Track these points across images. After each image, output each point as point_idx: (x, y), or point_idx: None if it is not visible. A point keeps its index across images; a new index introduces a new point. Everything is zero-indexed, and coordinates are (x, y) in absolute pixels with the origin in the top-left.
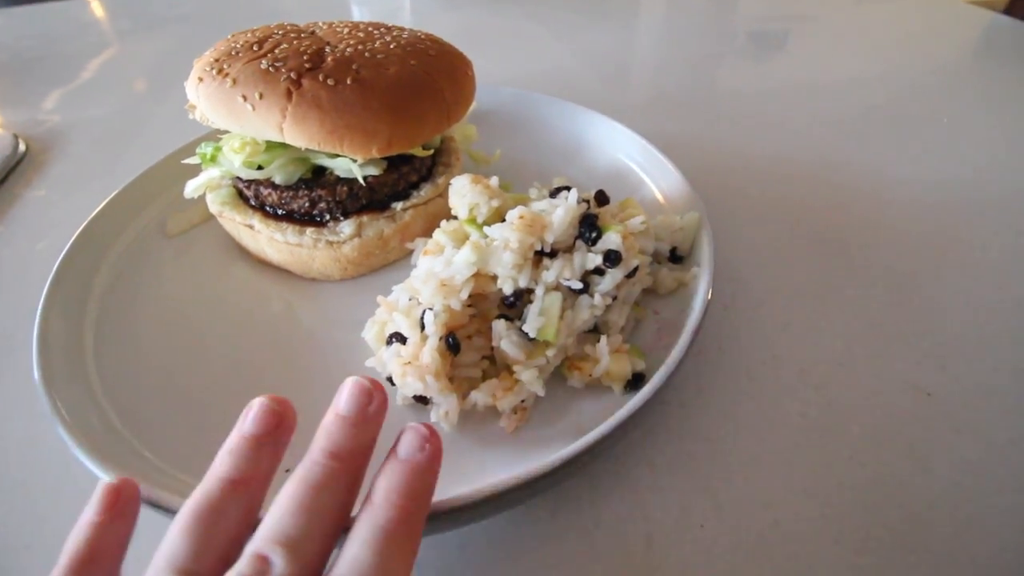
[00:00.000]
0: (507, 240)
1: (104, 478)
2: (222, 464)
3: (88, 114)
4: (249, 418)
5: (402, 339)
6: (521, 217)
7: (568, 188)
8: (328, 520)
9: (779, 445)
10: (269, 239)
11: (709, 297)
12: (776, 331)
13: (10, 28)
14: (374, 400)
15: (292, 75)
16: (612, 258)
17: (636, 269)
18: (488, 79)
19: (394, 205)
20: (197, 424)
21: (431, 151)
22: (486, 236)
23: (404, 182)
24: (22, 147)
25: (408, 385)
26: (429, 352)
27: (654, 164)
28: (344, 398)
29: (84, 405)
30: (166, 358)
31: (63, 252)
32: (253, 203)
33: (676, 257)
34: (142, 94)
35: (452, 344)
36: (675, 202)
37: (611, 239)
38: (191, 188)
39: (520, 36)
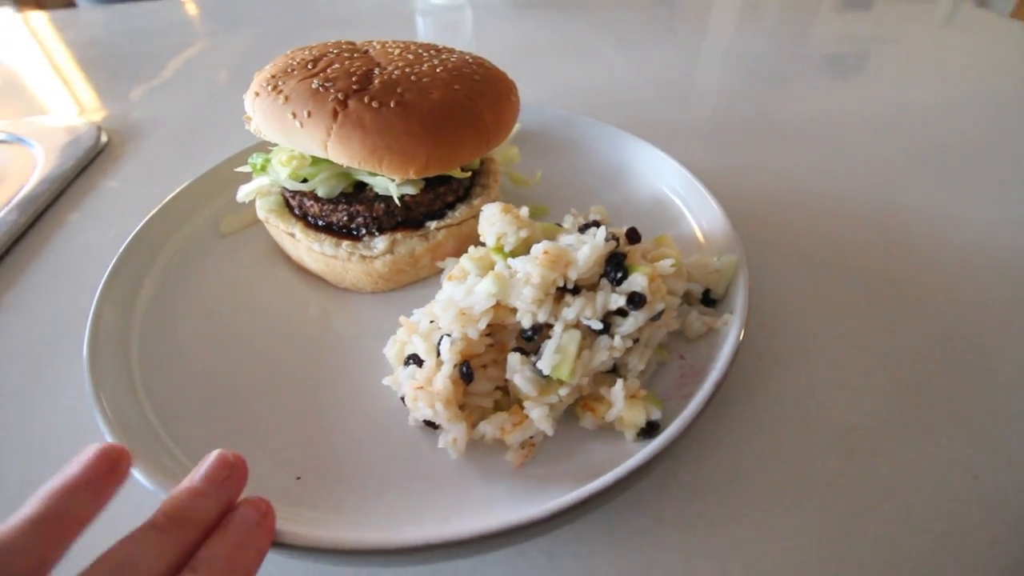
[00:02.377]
0: (529, 275)
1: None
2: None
3: (166, 110)
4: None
5: (419, 362)
6: (546, 252)
7: (598, 224)
8: None
9: (799, 516)
10: (307, 248)
11: (738, 348)
12: (811, 387)
13: (106, 24)
14: (232, 477)
15: (340, 95)
16: (636, 301)
17: (661, 313)
18: (544, 91)
19: (428, 224)
20: (220, 416)
21: (469, 173)
22: (510, 267)
23: (440, 202)
24: (104, 139)
25: (419, 409)
26: (442, 379)
27: (696, 198)
28: (203, 470)
29: (122, 391)
30: (202, 351)
31: (123, 244)
32: (297, 212)
33: (709, 300)
34: (219, 93)
35: (466, 373)
36: (714, 240)
37: (637, 281)
38: (243, 193)
39: (581, 49)
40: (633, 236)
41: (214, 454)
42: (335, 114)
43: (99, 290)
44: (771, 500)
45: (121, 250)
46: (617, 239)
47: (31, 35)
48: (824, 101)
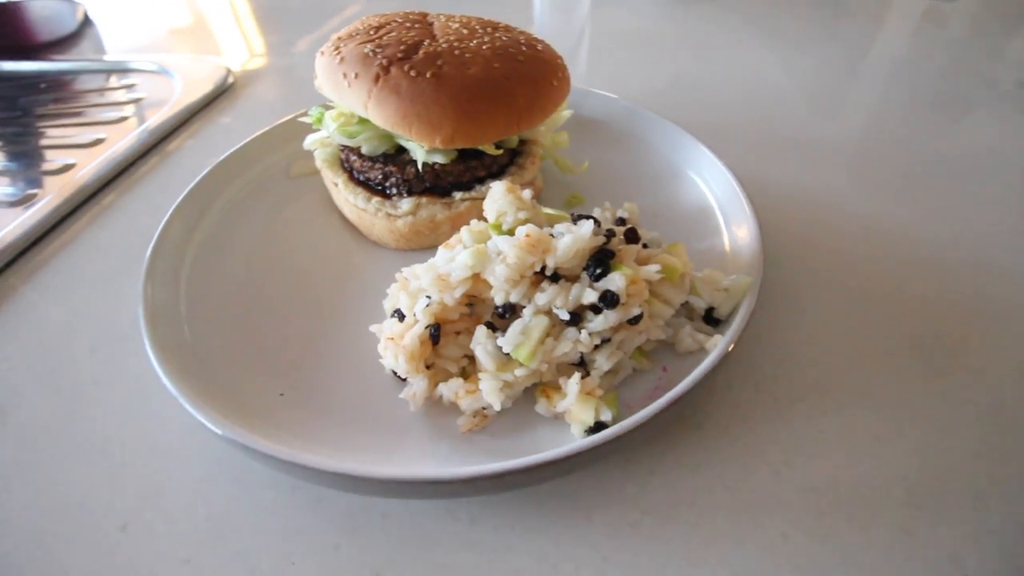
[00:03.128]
0: (505, 254)
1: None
2: None
3: (295, 61)
4: None
5: (402, 316)
6: (527, 236)
7: (592, 218)
8: None
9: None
10: (345, 199)
11: (711, 371)
12: (799, 437)
13: None
14: None
15: (384, 62)
16: (608, 299)
17: (639, 317)
18: (643, 83)
19: (455, 194)
20: (236, 324)
21: (501, 151)
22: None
23: (470, 175)
24: (230, 80)
25: (387, 359)
26: (411, 336)
27: (738, 214)
28: None
29: (167, 283)
30: (239, 267)
31: (205, 171)
32: (344, 166)
33: (712, 318)
34: None
35: (434, 334)
36: (740, 259)
37: (614, 280)
38: (308, 141)
39: (715, 45)
40: (631, 237)
41: None
42: (377, 78)
43: (176, 203)
44: (707, 540)
45: (200, 176)
46: (613, 237)
47: None
48: (1013, 137)
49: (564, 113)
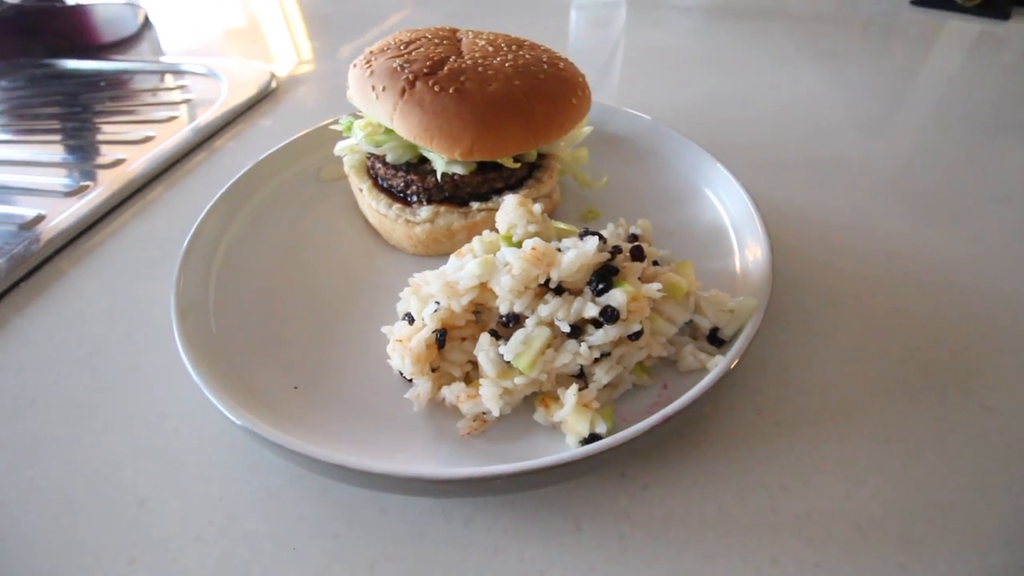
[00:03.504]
0: (511, 265)
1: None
2: None
3: (338, 67)
4: None
5: (411, 319)
6: (533, 249)
7: (599, 234)
8: None
9: None
10: (368, 204)
11: (706, 392)
12: (798, 462)
13: None
14: None
15: (410, 76)
16: (608, 314)
17: (640, 334)
18: (671, 99)
19: (472, 204)
20: (258, 317)
21: (519, 164)
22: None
23: (488, 186)
24: (273, 84)
25: (394, 360)
26: (418, 339)
27: (751, 234)
28: None
29: (198, 278)
30: (265, 263)
31: (241, 172)
32: (370, 172)
33: (716, 338)
34: None
35: (440, 339)
36: (750, 281)
37: (615, 296)
38: (339, 147)
39: (747, 61)
40: (636, 254)
41: None
42: (403, 92)
43: (211, 202)
44: (695, 558)
45: (235, 178)
46: (614, 253)
47: None
48: None
49: (584, 129)
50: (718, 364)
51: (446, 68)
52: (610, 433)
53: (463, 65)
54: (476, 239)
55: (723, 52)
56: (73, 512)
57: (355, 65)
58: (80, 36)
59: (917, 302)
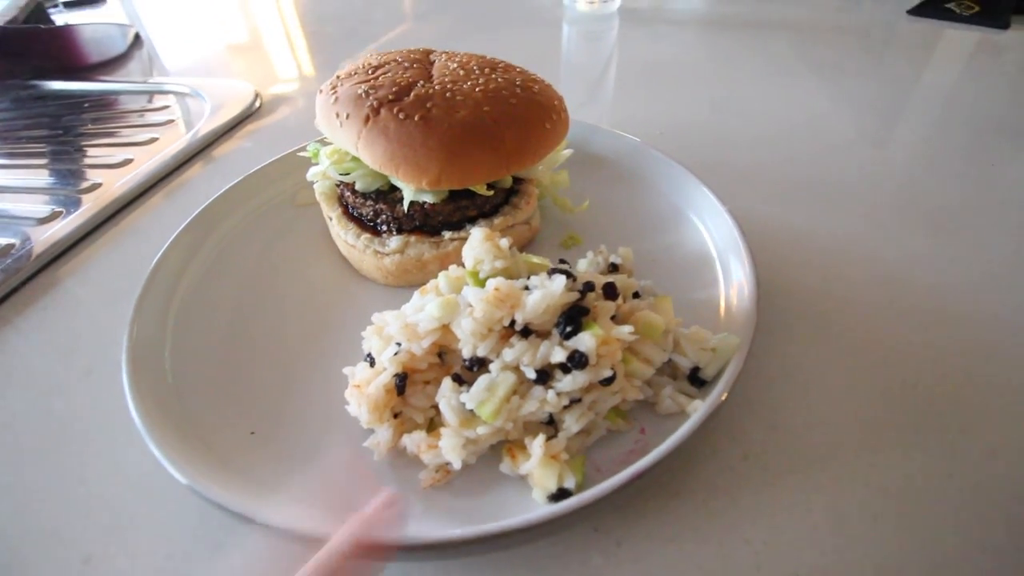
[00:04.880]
0: (472, 307)
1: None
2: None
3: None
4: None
5: (372, 361)
6: (496, 289)
7: (567, 273)
8: None
9: None
10: (336, 233)
11: (687, 438)
12: (785, 514)
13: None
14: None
15: (374, 103)
16: (576, 359)
17: (612, 379)
18: (660, 115)
19: (444, 233)
20: (216, 353)
21: (493, 191)
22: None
23: (461, 214)
24: (258, 104)
25: (351, 407)
26: (376, 384)
27: (736, 265)
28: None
29: (156, 312)
30: (228, 293)
31: (212, 198)
32: (341, 200)
33: (697, 379)
34: None
35: (399, 384)
36: (735, 315)
37: (584, 340)
38: (311, 173)
39: (744, 72)
40: (609, 292)
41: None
42: (367, 120)
43: (174, 235)
44: None
45: (201, 207)
46: (584, 292)
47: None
48: None
49: (564, 152)
50: (698, 409)
51: (412, 94)
52: (580, 487)
53: (431, 91)
54: (442, 275)
55: (718, 65)
56: (14, 569)
57: (321, 91)
58: (67, 57)
59: (916, 333)
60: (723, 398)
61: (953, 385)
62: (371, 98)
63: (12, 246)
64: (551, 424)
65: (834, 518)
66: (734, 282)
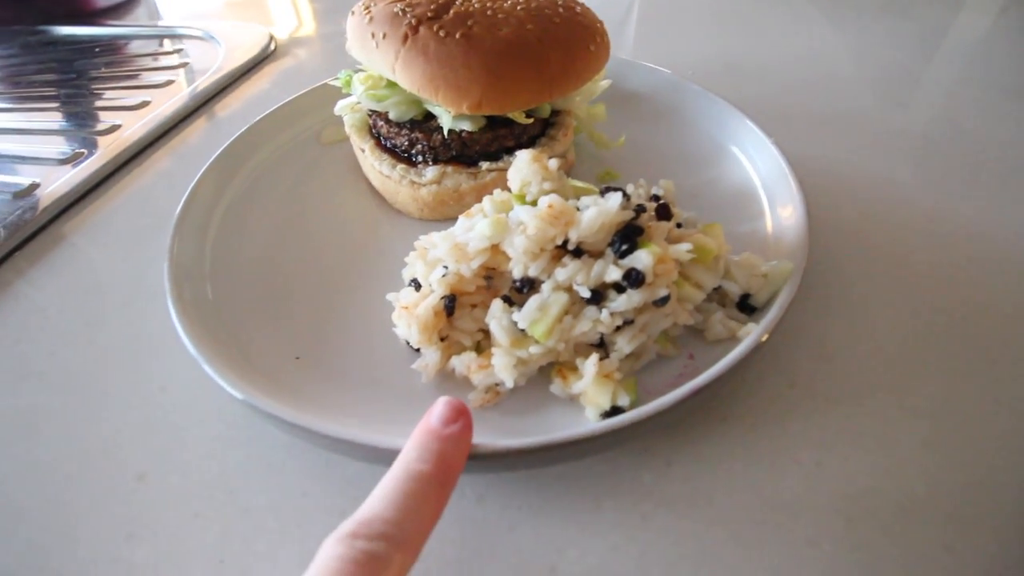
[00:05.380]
0: (525, 225)
1: (179, 327)
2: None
3: (335, 28)
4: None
5: (418, 286)
6: (550, 206)
7: (622, 191)
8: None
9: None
10: (370, 165)
11: (739, 363)
12: (835, 439)
13: None
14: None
15: (413, 21)
16: (633, 278)
17: (667, 299)
18: (695, 55)
19: (481, 163)
20: (257, 285)
21: (532, 120)
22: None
23: (498, 144)
24: (272, 47)
25: (400, 328)
26: (425, 306)
27: (784, 195)
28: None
29: (193, 243)
30: (265, 229)
31: (237, 134)
32: (372, 131)
33: (747, 306)
34: None
35: (448, 306)
36: (783, 244)
37: (640, 258)
38: (339, 106)
39: (774, 16)
40: (663, 213)
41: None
42: (405, 38)
43: (205, 165)
44: (723, 540)
45: (230, 140)
46: (643, 212)
47: None
48: None
49: (602, 83)
50: (750, 333)
51: (451, 11)
52: (633, 406)
53: (471, 8)
54: (487, 198)
55: (746, 5)
56: (70, 487)
57: (353, 12)
58: (74, 2)
59: (961, 270)
60: (779, 321)
61: (999, 319)
62: (409, 16)
63: (37, 185)
64: (601, 346)
65: (884, 444)
66: (780, 213)
